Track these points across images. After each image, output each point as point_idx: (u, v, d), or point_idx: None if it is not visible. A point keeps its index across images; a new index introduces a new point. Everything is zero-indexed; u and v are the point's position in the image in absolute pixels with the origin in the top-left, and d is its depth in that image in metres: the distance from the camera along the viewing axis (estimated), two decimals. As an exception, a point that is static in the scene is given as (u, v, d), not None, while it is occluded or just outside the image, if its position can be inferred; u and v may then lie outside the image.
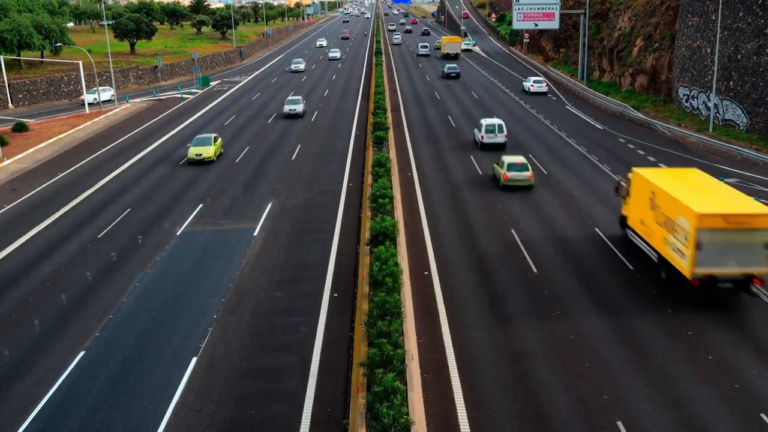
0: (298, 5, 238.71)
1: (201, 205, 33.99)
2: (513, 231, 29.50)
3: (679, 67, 55.49)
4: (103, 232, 30.61)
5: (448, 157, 43.42)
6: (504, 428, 16.56)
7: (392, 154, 40.85)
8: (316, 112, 59.97)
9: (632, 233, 26.82)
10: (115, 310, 23.04)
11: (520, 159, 36.44)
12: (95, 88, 68.40)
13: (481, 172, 39.40)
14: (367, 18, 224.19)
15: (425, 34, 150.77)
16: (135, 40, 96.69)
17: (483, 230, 29.90)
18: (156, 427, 16.74)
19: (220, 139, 45.68)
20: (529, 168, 35.90)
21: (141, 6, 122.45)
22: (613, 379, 18.42)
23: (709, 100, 49.79)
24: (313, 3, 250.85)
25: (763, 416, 16.85)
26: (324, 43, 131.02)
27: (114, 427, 16.84)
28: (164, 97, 71.82)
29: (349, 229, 30.26)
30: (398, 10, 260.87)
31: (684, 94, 54.63)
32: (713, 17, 49.14)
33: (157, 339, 21.03)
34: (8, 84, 67.14)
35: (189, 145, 44.35)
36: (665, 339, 20.51)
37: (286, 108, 58.49)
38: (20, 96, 68.40)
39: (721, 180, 35.96)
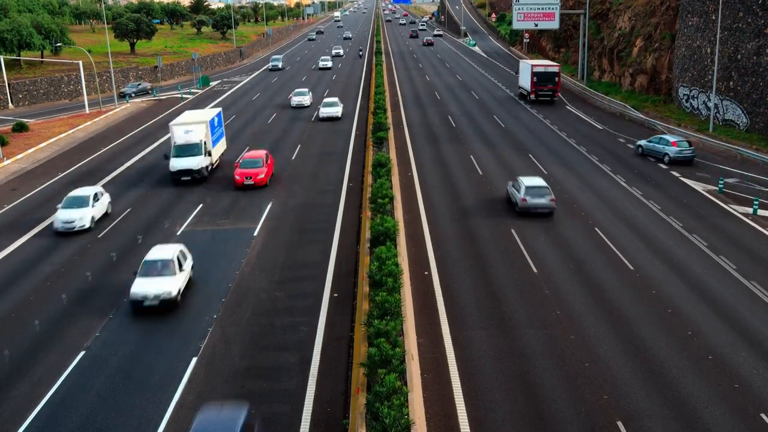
0: (298, 5, 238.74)
1: (201, 205, 33.99)
2: (513, 231, 29.49)
3: (679, 67, 55.48)
4: (103, 232, 30.61)
5: (448, 157, 43.41)
6: (504, 428, 16.56)
7: (392, 154, 40.84)
8: (316, 112, 59.93)
9: None
10: (115, 310, 23.03)
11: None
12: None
13: (481, 172, 39.40)
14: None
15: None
16: (135, 40, 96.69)
17: (483, 230, 29.90)
18: (156, 427, 16.75)
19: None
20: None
21: (141, 6, 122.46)
22: (614, 380, 18.43)
23: (709, 100, 49.78)
24: (313, 3, 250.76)
25: (763, 416, 16.86)
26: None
27: (114, 427, 16.85)
28: (164, 97, 71.82)
29: (349, 229, 30.26)
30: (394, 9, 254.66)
31: (684, 94, 54.62)
32: (713, 17, 49.13)
33: (157, 339, 21.03)
34: (8, 84, 67.14)
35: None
36: (665, 336, 20.53)
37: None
38: (20, 96, 68.39)
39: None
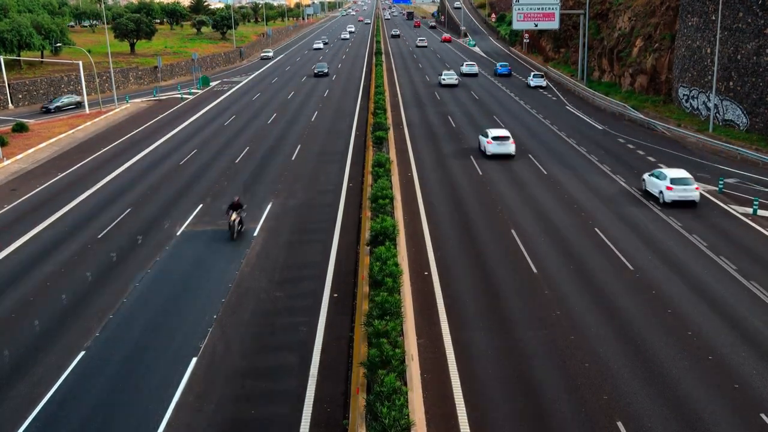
0: (298, 5, 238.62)
1: (201, 205, 34.00)
2: (513, 231, 29.50)
3: (679, 68, 55.49)
4: (103, 232, 30.61)
5: (448, 157, 43.42)
6: (504, 428, 16.55)
7: (392, 154, 40.84)
8: (316, 112, 59.96)
9: None
10: (115, 310, 23.04)
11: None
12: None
13: (480, 172, 39.41)
14: None
15: None
16: (135, 41, 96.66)
17: (483, 230, 29.91)
18: (156, 427, 16.73)
19: None
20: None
21: (141, 6, 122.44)
22: (614, 380, 18.43)
23: (709, 100, 49.79)
24: (313, 3, 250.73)
25: (763, 416, 16.86)
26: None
27: (114, 427, 16.83)
28: (164, 98, 71.83)
29: (349, 229, 30.26)
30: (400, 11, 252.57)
31: (684, 95, 54.63)
32: (713, 17, 49.14)
33: (157, 339, 21.02)
34: (8, 84, 67.12)
35: None
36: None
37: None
38: (20, 96, 68.38)
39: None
